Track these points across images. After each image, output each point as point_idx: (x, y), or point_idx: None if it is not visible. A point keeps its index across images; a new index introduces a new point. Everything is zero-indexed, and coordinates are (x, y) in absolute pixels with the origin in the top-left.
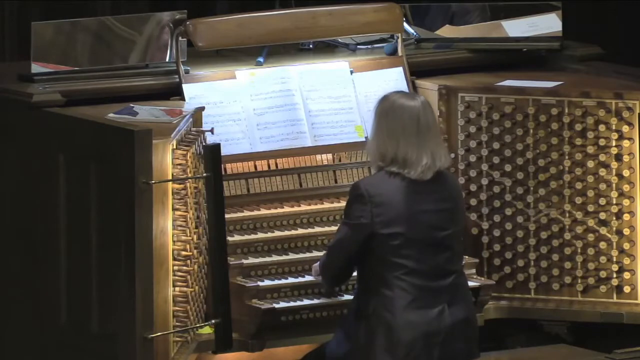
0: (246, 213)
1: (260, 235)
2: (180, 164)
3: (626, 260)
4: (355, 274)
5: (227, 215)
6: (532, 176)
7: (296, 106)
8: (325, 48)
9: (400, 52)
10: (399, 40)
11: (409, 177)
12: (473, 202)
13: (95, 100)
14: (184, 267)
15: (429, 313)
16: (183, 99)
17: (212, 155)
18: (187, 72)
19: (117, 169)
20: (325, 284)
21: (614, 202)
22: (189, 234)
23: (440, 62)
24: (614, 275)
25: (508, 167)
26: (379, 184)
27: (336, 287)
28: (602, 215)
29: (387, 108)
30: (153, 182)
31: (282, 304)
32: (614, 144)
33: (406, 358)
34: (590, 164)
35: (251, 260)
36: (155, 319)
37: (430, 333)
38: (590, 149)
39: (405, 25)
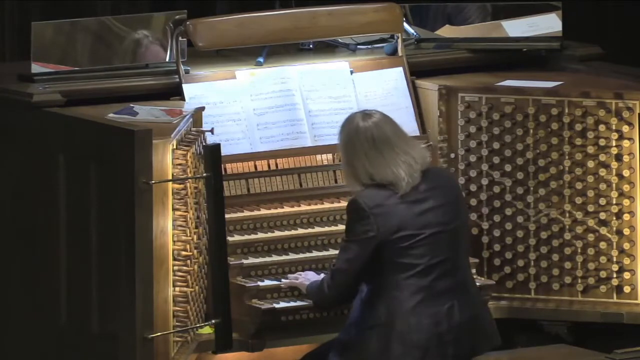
0: (246, 213)
1: (260, 235)
2: (180, 164)
3: (626, 260)
4: None
5: (227, 215)
6: (532, 176)
7: (296, 106)
8: (325, 48)
9: (400, 52)
10: (399, 40)
11: (401, 193)
12: (473, 202)
13: (95, 100)
14: (184, 267)
15: (439, 311)
16: (183, 99)
17: (212, 155)
18: (187, 72)
19: (117, 169)
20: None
21: (614, 202)
22: (189, 234)
23: (440, 62)
24: (614, 275)
25: (508, 167)
26: (375, 196)
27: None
28: (602, 215)
29: (345, 138)
30: (153, 182)
31: (282, 304)
32: (614, 144)
33: (424, 359)
34: (590, 164)
35: (251, 260)
36: (155, 319)
37: (442, 331)
38: (590, 149)
39: (405, 25)
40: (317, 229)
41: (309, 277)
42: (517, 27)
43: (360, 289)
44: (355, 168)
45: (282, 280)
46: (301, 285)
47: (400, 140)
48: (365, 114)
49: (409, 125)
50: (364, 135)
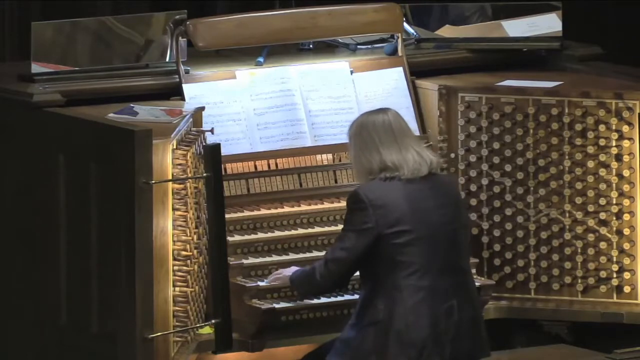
0: (246, 213)
1: (260, 235)
2: (180, 164)
3: (626, 260)
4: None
5: (227, 215)
6: (532, 176)
7: (296, 106)
8: (325, 48)
9: (400, 52)
10: (399, 40)
11: (405, 177)
12: (473, 202)
13: (95, 100)
14: (184, 267)
15: (438, 311)
16: (183, 99)
17: (212, 155)
18: (187, 72)
19: (117, 169)
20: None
21: (614, 202)
22: (189, 234)
23: (440, 62)
24: (614, 275)
25: (508, 167)
26: (377, 188)
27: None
28: (602, 215)
29: (357, 129)
30: (153, 182)
31: (282, 304)
32: (614, 144)
33: (419, 358)
34: (590, 164)
35: (251, 260)
36: (155, 319)
37: (440, 331)
38: (590, 149)
39: (405, 25)
40: (317, 229)
41: (292, 270)
42: (517, 27)
43: (362, 287)
44: (367, 159)
45: (265, 281)
46: (284, 278)
47: (412, 137)
48: (380, 109)
49: (409, 125)
50: (381, 123)
